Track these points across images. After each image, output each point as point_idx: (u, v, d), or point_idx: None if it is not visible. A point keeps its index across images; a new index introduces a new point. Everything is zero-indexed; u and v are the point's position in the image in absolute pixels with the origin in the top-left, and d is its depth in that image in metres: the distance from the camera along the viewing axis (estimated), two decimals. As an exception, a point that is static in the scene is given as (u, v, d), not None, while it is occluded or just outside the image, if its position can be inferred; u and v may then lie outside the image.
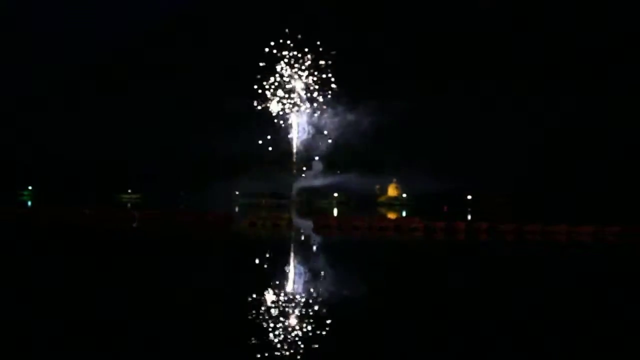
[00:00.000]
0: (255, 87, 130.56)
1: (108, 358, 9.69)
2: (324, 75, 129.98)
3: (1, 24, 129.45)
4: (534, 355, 10.39)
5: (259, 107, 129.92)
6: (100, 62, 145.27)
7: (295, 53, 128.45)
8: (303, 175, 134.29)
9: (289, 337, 10.99)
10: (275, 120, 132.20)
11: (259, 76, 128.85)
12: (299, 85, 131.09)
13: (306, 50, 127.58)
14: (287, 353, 10.04)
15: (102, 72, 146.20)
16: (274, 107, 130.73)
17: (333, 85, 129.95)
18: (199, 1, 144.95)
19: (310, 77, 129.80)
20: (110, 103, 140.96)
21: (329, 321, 12.37)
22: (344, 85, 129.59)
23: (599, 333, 11.98)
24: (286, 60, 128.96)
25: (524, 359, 10.29)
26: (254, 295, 14.86)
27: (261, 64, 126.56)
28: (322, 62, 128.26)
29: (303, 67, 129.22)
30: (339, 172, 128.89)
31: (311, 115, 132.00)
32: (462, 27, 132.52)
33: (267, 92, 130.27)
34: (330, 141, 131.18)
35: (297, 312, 13.10)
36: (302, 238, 34.39)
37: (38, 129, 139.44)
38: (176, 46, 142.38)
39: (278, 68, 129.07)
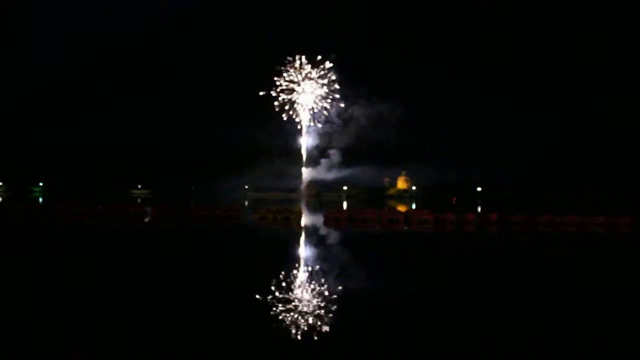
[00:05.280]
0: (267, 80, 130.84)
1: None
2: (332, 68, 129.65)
3: (2, 24, 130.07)
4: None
5: (271, 98, 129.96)
6: (105, 60, 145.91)
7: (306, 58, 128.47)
8: (313, 168, 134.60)
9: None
10: (285, 114, 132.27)
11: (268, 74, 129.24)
12: (308, 85, 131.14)
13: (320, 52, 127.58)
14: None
15: (107, 71, 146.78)
16: (285, 99, 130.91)
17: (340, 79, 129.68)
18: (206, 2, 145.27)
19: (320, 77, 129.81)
20: (117, 101, 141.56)
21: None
22: (354, 80, 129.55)
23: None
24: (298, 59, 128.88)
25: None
26: (277, 291, 15.03)
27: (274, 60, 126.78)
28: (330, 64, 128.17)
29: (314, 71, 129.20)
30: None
31: (322, 107, 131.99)
32: (477, 23, 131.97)
33: (279, 84, 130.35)
34: (340, 133, 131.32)
35: (324, 308, 13.25)
36: (313, 231, 34.60)
37: (43, 128, 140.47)
38: (183, 43, 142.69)
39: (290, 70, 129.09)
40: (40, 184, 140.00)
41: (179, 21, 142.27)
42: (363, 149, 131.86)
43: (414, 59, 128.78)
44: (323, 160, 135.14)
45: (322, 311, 12.61)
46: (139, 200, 79.71)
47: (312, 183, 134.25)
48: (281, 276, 17.14)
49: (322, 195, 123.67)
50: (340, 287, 15.50)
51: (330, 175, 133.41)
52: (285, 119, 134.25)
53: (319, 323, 11.58)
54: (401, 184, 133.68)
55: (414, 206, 71.97)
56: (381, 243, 30.01)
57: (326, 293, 14.58)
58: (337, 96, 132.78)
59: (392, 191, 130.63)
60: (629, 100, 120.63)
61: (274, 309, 12.65)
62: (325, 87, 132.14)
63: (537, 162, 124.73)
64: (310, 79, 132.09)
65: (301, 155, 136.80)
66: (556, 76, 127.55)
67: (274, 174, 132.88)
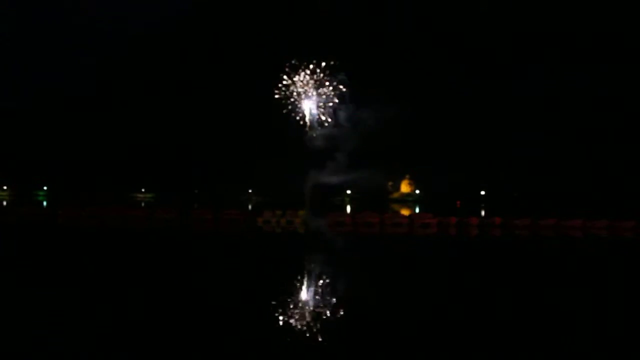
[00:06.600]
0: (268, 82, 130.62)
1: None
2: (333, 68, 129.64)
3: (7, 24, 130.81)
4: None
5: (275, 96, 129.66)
6: (107, 61, 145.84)
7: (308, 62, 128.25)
8: (317, 171, 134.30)
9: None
10: (289, 117, 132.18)
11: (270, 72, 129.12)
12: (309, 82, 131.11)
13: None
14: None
15: (109, 72, 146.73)
16: (289, 101, 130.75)
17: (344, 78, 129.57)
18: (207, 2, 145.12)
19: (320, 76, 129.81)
20: (118, 102, 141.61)
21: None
22: (358, 81, 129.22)
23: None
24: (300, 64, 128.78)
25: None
26: (281, 294, 14.99)
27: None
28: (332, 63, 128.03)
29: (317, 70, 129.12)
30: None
31: (326, 110, 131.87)
32: (479, 26, 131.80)
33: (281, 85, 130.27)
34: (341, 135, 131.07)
35: (326, 310, 13.22)
36: (317, 235, 34.55)
37: (47, 129, 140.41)
38: (185, 43, 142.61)
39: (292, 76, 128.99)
40: (45, 187, 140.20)
41: (181, 23, 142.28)
42: (367, 152, 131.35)
43: (416, 61, 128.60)
44: (327, 164, 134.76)
45: (324, 313, 12.58)
46: (142, 204, 79.81)
47: (316, 186, 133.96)
48: (285, 279, 17.12)
49: (325, 199, 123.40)
50: (342, 290, 15.47)
51: (334, 179, 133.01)
52: (288, 121, 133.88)
53: (321, 325, 11.56)
54: (405, 187, 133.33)
55: (417, 210, 71.85)
56: (384, 247, 29.96)
57: (329, 295, 14.55)
58: (341, 98, 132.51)
59: (395, 195, 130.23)
60: (631, 101, 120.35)
61: (277, 310, 12.63)
62: (329, 90, 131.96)
63: (539, 164, 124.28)
64: (315, 81, 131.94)
65: (305, 159, 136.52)
66: (557, 77, 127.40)
67: (277, 177, 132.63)
